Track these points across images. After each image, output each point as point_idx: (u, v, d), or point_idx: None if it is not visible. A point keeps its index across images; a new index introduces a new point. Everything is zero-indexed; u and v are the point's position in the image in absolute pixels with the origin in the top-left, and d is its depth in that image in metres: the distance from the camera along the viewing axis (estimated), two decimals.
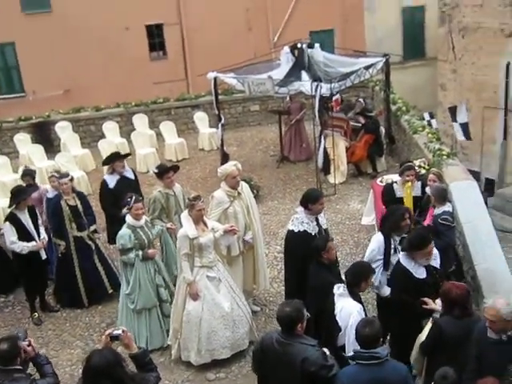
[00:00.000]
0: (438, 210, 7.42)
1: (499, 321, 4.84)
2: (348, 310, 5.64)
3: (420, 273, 6.08)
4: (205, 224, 7.19)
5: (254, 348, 5.61)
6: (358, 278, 5.80)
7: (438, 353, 5.40)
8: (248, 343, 7.36)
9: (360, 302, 5.84)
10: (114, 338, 4.54)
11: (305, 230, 6.85)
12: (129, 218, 7.47)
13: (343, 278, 6.00)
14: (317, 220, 7.00)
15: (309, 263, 6.45)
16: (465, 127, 15.26)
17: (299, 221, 6.92)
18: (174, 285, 7.97)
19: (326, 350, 5.01)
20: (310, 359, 4.76)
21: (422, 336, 5.67)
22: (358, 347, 4.80)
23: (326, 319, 5.86)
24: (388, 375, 4.62)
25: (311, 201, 6.89)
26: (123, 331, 4.57)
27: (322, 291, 6.00)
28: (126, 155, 10.16)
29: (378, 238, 6.72)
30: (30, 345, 4.93)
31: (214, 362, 7.26)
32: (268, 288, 8.61)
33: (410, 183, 8.22)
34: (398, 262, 6.25)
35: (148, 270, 7.56)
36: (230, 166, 7.75)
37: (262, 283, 8.21)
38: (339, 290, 5.85)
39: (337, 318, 5.73)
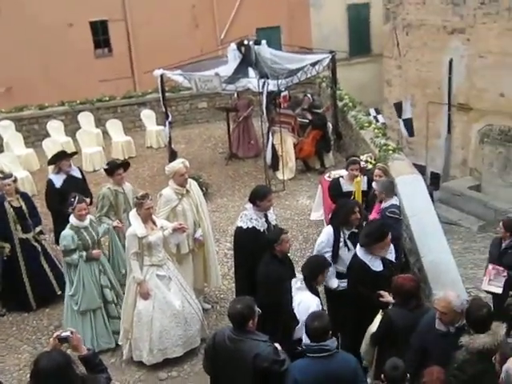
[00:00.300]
0: (385, 204, 7.52)
1: (450, 312, 4.95)
2: (306, 304, 5.74)
3: (376, 266, 6.17)
4: (153, 222, 7.13)
5: (205, 345, 5.59)
6: (315, 271, 5.95)
7: (388, 344, 5.49)
8: (200, 341, 7.33)
9: (317, 295, 5.94)
10: (62, 340, 4.44)
11: (253, 227, 6.85)
12: (72, 219, 7.35)
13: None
14: (266, 216, 7.01)
15: (258, 259, 6.46)
16: (408, 123, 15.61)
17: (248, 217, 6.91)
18: (123, 284, 7.89)
19: (277, 345, 5.03)
20: (262, 355, 4.78)
21: (373, 327, 5.75)
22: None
23: (282, 312, 5.92)
24: (338, 367, 4.68)
25: (259, 197, 6.89)
26: (72, 333, 4.48)
27: (275, 283, 6.05)
28: (73, 154, 9.95)
29: (327, 231, 6.80)
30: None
31: (166, 361, 7.20)
32: (219, 285, 8.59)
33: (359, 178, 8.31)
34: (355, 255, 6.32)
35: (92, 271, 7.46)
36: (178, 164, 7.70)
37: (213, 281, 8.20)
38: (297, 283, 5.96)
39: (295, 312, 5.84)
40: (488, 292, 7.24)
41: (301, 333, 5.60)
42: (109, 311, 7.59)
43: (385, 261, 6.24)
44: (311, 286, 5.90)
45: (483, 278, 7.28)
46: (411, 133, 16.40)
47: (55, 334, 4.50)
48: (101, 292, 7.51)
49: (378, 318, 5.72)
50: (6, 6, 18.88)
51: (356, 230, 6.71)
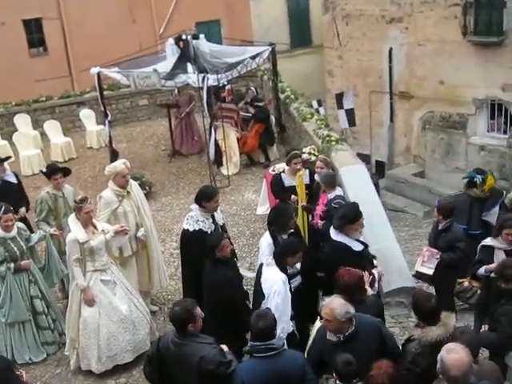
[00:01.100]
0: (330, 196, 7.53)
1: (334, 320, 4.79)
2: (272, 279, 5.80)
3: (356, 246, 6.19)
4: (94, 226, 6.95)
5: (148, 351, 5.44)
6: (284, 253, 6.01)
7: None
8: (150, 344, 7.09)
9: (286, 273, 5.94)
10: None
11: (200, 229, 6.70)
12: None
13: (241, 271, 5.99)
14: (213, 217, 6.87)
15: (204, 261, 6.33)
16: (350, 113, 15.72)
17: (194, 219, 6.75)
18: (62, 290, 7.67)
19: (224, 346, 4.93)
20: (207, 357, 4.70)
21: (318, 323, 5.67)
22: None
23: (237, 311, 5.89)
24: (286, 365, 4.63)
25: (205, 198, 6.75)
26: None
27: (223, 286, 5.99)
28: (6, 158, 9.65)
29: (267, 241, 6.64)
30: None
31: (115, 368, 7.03)
32: (166, 286, 8.43)
33: (301, 172, 8.25)
34: (331, 240, 6.29)
35: (22, 282, 7.25)
36: (120, 165, 7.53)
37: (157, 282, 8.02)
38: (268, 260, 6.07)
39: (262, 286, 5.90)
40: (418, 274, 7.32)
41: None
42: (38, 322, 7.39)
43: (360, 241, 6.29)
44: (280, 265, 5.93)
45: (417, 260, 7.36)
46: (353, 123, 16.51)
47: None
48: (30, 303, 7.31)
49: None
50: None
51: (293, 230, 6.73)
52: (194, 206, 6.85)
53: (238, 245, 9.58)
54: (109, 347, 6.89)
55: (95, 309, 6.85)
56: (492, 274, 6.10)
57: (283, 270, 5.94)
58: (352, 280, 5.31)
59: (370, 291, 5.70)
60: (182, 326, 4.84)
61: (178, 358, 4.84)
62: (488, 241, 6.54)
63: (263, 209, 10.32)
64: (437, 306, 4.84)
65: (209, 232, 6.70)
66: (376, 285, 6.09)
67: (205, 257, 6.31)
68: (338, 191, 7.62)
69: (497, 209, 7.91)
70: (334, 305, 4.81)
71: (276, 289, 5.69)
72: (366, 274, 5.75)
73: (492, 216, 7.84)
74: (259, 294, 5.93)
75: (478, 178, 7.96)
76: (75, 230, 6.77)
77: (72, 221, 6.86)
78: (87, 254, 6.79)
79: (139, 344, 7.08)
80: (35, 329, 7.35)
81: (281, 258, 5.98)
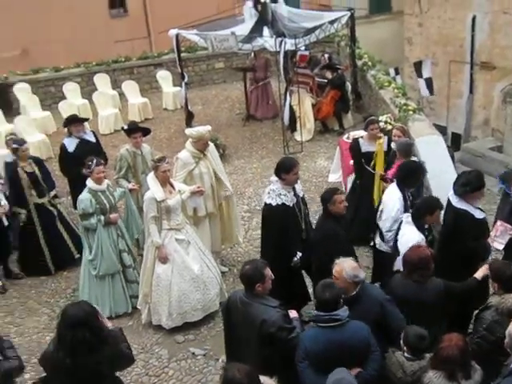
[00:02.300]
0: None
1: (341, 278, 4.95)
2: (409, 237, 5.79)
3: (478, 214, 6.12)
4: (172, 186, 7.05)
5: (221, 307, 5.56)
6: (423, 210, 5.99)
7: None
8: (218, 304, 7.28)
9: (423, 233, 5.94)
10: None
11: (283, 203, 6.44)
12: (90, 182, 7.27)
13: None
14: (293, 189, 6.60)
15: (286, 235, 6.33)
16: (429, 82, 15.25)
17: (276, 193, 6.47)
18: (137, 247, 7.90)
19: (292, 312, 4.97)
20: (269, 321, 4.75)
21: None
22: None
23: None
24: (350, 336, 4.59)
25: (284, 170, 6.45)
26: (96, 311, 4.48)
27: (329, 239, 5.96)
28: (83, 120, 9.88)
29: (398, 196, 6.52)
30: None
31: (184, 324, 7.21)
32: (240, 243, 8.55)
33: (381, 140, 8.13)
34: (453, 206, 6.15)
35: (110, 235, 7.42)
36: (205, 131, 7.57)
37: (234, 239, 8.23)
38: (407, 218, 6.06)
39: (398, 244, 5.99)
40: None
41: (399, 264, 5.67)
42: (127, 275, 7.59)
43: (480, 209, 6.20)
44: (418, 223, 5.93)
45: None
46: (432, 91, 16.06)
47: None
48: (119, 256, 7.49)
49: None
50: None
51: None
52: (274, 179, 6.57)
53: (310, 211, 9.56)
54: (179, 304, 7.04)
55: (168, 266, 6.98)
56: None
57: (420, 228, 5.92)
58: (417, 257, 5.25)
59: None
60: (250, 285, 4.90)
61: (243, 316, 4.93)
62: None
63: (335, 176, 10.25)
64: None
65: (291, 205, 6.49)
66: None
67: (285, 231, 6.30)
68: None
69: None
70: (345, 265, 5.01)
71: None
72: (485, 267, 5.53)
73: None
74: None
75: None
76: (153, 189, 6.87)
77: (151, 179, 6.96)
78: (164, 213, 6.91)
79: (208, 303, 7.20)
80: (124, 282, 7.56)
81: (418, 217, 5.96)
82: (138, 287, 7.51)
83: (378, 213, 6.76)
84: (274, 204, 6.45)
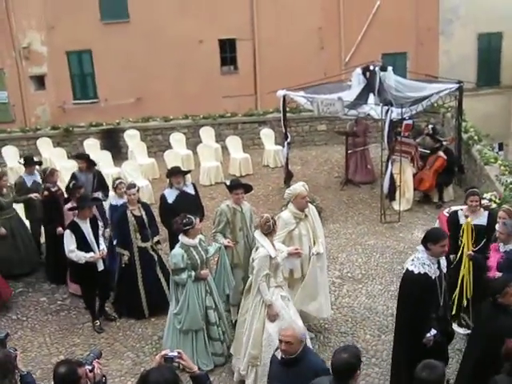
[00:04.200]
0: (509, 246, 7.14)
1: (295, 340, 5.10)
2: None
3: None
4: (273, 244, 7.04)
5: None
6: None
7: None
8: None
9: None
10: (168, 359, 4.39)
11: (425, 273, 6.23)
12: (182, 237, 7.34)
13: None
14: (438, 263, 6.37)
15: (422, 307, 6.17)
16: None
17: (420, 262, 6.27)
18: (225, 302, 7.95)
19: None
20: None
21: None
22: None
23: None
24: None
25: (431, 241, 6.25)
26: (179, 353, 4.47)
27: (501, 335, 5.56)
28: (186, 172, 10.10)
29: None
30: (92, 370, 4.60)
31: None
32: (329, 315, 8.35)
33: (469, 218, 7.86)
34: None
35: (199, 291, 7.40)
36: (300, 187, 7.64)
37: (325, 310, 8.02)
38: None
39: None
40: None
41: None
42: (210, 333, 7.53)
43: None
44: None
45: None
46: None
47: (163, 353, 4.48)
48: (205, 313, 7.46)
49: None
50: (143, 22, 19.85)
51: None
52: (421, 248, 6.39)
53: None
54: None
55: (277, 324, 6.72)
56: None
57: None
58: None
59: None
60: (347, 375, 4.50)
61: None
62: None
63: None
64: None
65: (433, 278, 6.27)
66: None
67: (423, 303, 6.14)
68: None
69: None
70: (296, 326, 5.28)
71: None
72: None
73: None
74: None
75: None
76: (266, 246, 6.85)
77: (260, 236, 6.95)
78: (272, 270, 6.89)
79: None
80: (207, 339, 7.51)
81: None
82: (221, 345, 7.52)
83: None
84: (416, 272, 6.26)
